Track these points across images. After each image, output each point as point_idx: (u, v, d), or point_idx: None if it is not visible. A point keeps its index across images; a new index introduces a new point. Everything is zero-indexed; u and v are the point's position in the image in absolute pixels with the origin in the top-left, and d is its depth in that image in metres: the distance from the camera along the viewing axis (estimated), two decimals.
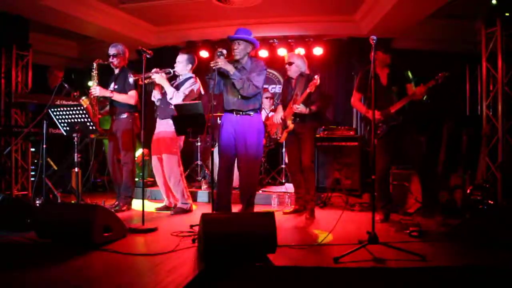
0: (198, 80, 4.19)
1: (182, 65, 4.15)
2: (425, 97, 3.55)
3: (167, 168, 4.14)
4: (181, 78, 4.19)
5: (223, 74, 3.54)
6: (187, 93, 4.06)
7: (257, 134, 3.63)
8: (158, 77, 3.99)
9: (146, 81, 4.02)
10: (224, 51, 3.45)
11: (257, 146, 3.64)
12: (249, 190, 3.66)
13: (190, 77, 4.16)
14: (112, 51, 4.19)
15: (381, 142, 3.70)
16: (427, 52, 5.82)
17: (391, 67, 3.74)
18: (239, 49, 3.55)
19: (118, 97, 4.14)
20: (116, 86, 4.22)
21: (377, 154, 3.64)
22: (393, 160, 3.85)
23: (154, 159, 4.31)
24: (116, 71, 4.29)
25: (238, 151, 3.61)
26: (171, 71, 4.11)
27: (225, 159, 3.64)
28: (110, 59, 4.19)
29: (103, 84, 4.21)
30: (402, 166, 4.49)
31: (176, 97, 4.00)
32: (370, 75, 2.80)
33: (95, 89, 4.06)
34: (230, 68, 3.44)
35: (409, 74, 3.69)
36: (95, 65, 4.11)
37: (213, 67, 3.37)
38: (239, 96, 3.56)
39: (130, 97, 4.13)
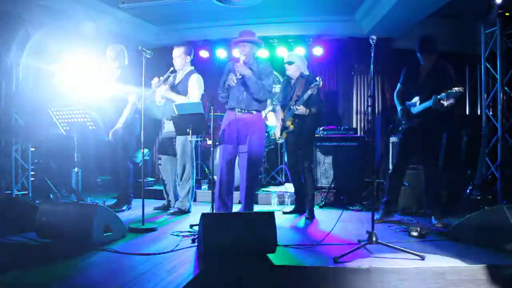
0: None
1: (180, 59, 4.11)
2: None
3: (180, 166, 4.11)
4: (182, 75, 4.16)
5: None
6: (198, 94, 4.04)
7: (259, 133, 3.64)
8: (163, 91, 3.99)
9: (149, 101, 4.04)
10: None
11: (259, 145, 3.64)
12: (250, 189, 3.65)
13: (189, 73, 4.13)
14: (111, 53, 4.19)
15: (401, 139, 3.76)
16: None
17: (434, 66, 3.59)
18: (246, 52, 3.57)
19: (124, 117, 4.11)
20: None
21: (398, 149, 3.79)
22: (410, 158, 3.82)
23: (165, 159, 4.29)
24: (118, 71, 4.29)
25: (240, 149, 3.61)
26: (170, 75, 4.09)
27: (227, 157, 3.63)
28: (112, 61, 4.19)
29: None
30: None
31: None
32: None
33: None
34: (247, 72, 3.51)
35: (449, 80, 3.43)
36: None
37: (237, 73, 3.48)
38: (246, 94, 3.57)
39: (134, 106, 4.14)
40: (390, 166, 4.38)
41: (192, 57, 4.25)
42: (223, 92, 3.68)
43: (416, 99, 3.61)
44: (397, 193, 3.86)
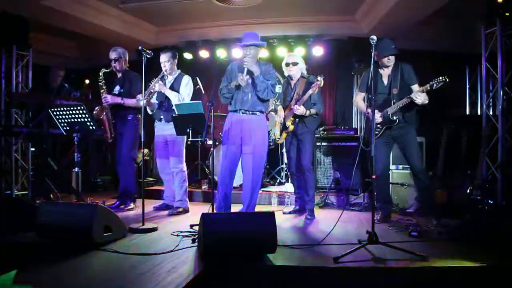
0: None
1: (169, 63, 4.17)
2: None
3: (175, 167, 4.17)
4: (172, 79, 4.24)
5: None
6: (189, 92, 4.16)
7: (263, 134, 3.65)
8: (158, 86, 4.04)
9: (149, 98, 4.08)
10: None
11: (263, 145, 3.64)
12: (255, 190, 3.63)
13: (181, 74, 4.26)
14: (113, 55, 4.23)
15: (378, 142, 3.70)
16: (427, 52, 5.82)
17: (395, 67, 3.64)
18: (252, 54, 3.57)
19: (128, 102, 4.19)
20: (122, 90, 4.26)
21: (375, 154, 3.68)
22: (389, 160, 3.84)
23: (161, 162, 4.32)
24: (119, 74, 4.32)
25: (244, 150, 3.60)
26: (164, 73, 4.15)
27: (230, 158, 3.63)
28: (112, 63, 4.23)
29: (107, 86, 4.23)
30: (402, 166, 4.50)
31: (183, 102, 4.07)
32: (370, 75, 2.80)
33: (107, 99, 4.11)
34: (255, 70, 3.50)
35: (414, 74, 3.59)
36: (101, 74, 4.15)
37: (245, 70, 3.46)
38: (251, 96, 3.57)
39: (139, 101, 4.16)
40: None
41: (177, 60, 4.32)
42: (228, 92, 3.63)
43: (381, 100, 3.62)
44: (387, 195, 3.88)
